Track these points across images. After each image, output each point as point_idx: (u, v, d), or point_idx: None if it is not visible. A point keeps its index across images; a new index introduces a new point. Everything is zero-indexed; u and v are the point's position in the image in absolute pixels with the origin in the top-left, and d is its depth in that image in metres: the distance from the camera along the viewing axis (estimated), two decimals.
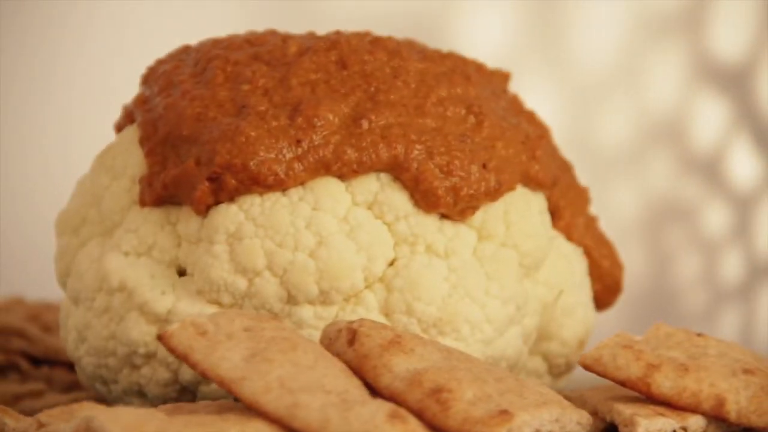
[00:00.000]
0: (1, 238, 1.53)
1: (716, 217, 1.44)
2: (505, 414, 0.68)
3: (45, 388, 1.02)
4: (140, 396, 0.88)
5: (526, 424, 0.69)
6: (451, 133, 0.88)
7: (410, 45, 0.94)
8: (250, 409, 0.68)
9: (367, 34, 0.93)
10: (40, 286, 1.16)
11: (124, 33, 1.53)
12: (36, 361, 1.08)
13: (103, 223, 0.91)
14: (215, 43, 0.94)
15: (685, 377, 0.79)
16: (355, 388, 0.70)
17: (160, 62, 0.95)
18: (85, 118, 1.48)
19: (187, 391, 0.86)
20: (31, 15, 1.51)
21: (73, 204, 0.94)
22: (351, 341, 0.75)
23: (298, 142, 0.85)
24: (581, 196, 0.97)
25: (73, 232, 0.93)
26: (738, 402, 0.78)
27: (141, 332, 0.85)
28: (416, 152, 0.86)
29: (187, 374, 0.85)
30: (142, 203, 0.88)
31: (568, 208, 0.94)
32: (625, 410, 0.78)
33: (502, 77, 0.97)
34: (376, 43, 0.91)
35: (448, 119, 0.88)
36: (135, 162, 0.90)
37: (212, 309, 0.84)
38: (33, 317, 1.14)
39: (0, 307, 1.17)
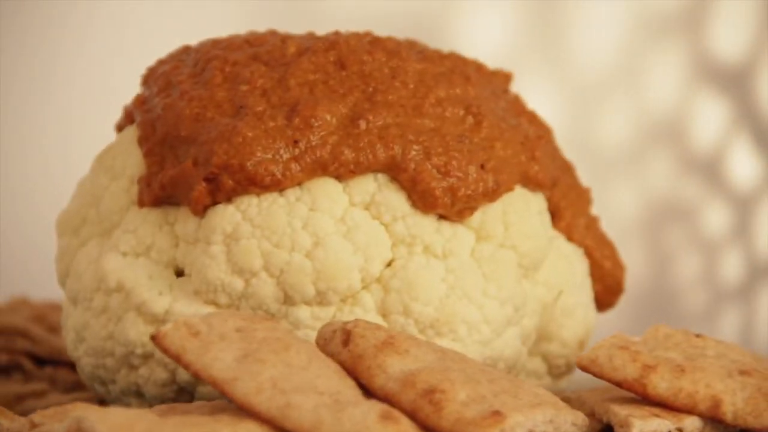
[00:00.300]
0: (8, 239, 1.53)
1: (716, 217, 1.43)
2: (497, 415, 0.68)
3: (48, 388, 1.02)
4: (138, 396, 0.88)
5: (519, 425, 0.69)
6: (449, 133, 0.87)
7: (410, 45, 0.94)
8: (243, 410, 0.68)
9: (366, 34, 0.93)
10: (47, 286, 1.16)
11: (125, 33, 1.53)
12: (40, 361, 1.08)
13: (102, 224, 0.91)
14: (215, 43, 0.94)
15: (681, 378, 0.79)
16: (348, 388, 0.70)
17: (160, 62, 0.95)
18: (86, 119, 1.48)
19: (185, 391, 0.86)
20: (31, 15, 1.51)
21: (73, 204, 0.94)
22: (345, 342, 0.75)
23: (295, 142, 0.85)
24: (582, 196, 0.97)
25: (73, 233, 0.93)
26: (734, 403, 0.78)
27: (138, 332, 0.85)
28: (414, 153, 0.86)
29: (184, 375, 0.85)
30: (141, 204, 0.88)
31: (569, 209, 0.94)
32: (621, 411, 0.78)
33: (504, 78, 0.97)
34: (375, 43, 0.91)
35: (446, 120, 0.88)
36: (134, 162, 0.90)
37: (209, 309, 0.84)
38: (38, 318, 1.14)
39: (5, 308, 1.17)
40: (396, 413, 0.67)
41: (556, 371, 0.94)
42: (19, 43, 1.52)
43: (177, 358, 0.69)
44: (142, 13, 1.51)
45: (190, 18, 1.50)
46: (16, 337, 1.08)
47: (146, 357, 0.86)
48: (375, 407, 0.67)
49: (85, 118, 1.48)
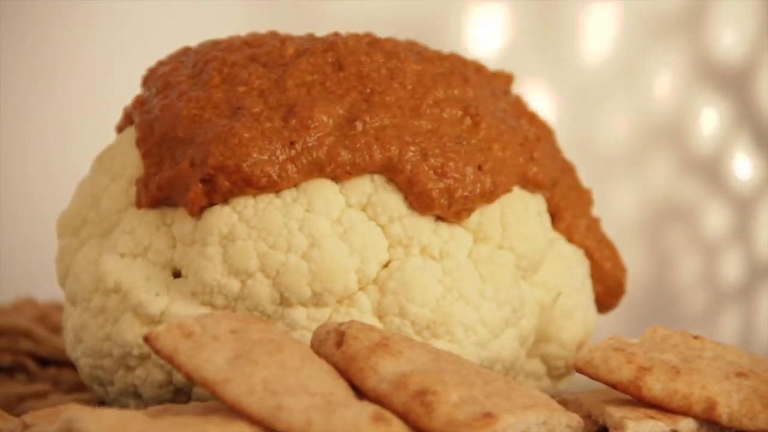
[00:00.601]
0: (15, 239, 1.53)
1: (716, 218, 1.43)
2: (488, 417, 0.68)
3: (50, 388, 1.02)
4: (136, 397, 0.88)
5: (511, 427, 0.69)
6: (446, 134, 0.87)
7: (410, 46, 0.94)
8: (234, 411, 0.68)
9: (366, 35, 0.93)
10: (53, 287, 1.16)
11: (127, 34, 1.53)
12: (43, 361, 1.08)
13: (101, 224, 0.91)
14: (214, 44, 0.94)
15: (677, 380, 0.79)
16: (341, 390, 0.70)
17: (160, 64, 0.95)
18: (88, 120, 1.48)
19: (182, 392, 0.86)
20: (31, 15, 1.51)
21: (73, 205, 0.95)
22: (339, 343, 0.75)
23: (292, 143, 0.85)
24: (583, 197, 0.96)
25: (73, 233, 0.93)
26: (729, 405, 0.78)
27: (135, 334, 0.85)
28: (410, 154, 0.86)
29: (181, 376, 0.85)
30: (139, 205, 0.88)
31: (569, 210, 0.94)
32: (616, 413, 0.78)
33: (505, 79, 0.97)
34: (373, 44, 0.91)
35: (444, 121, 0.88)
36: (132, 163, 0.90)
37: (205, 311, 0.84)
38: (42, 318, 1.14)
39: (10, 309, 1.17)
40: (387, 414, 0.67)
41: (556, 373, 0.94)
42: (21, 43, 1.52)
43: (169, 360, 0.69)
44: (145, 14, 1.52)
45: (192, 19, 1.51)
46: (20, 338, 1.08)
47: (143, 358, 0.86)
48: (366, 408, 0.67)
49: (87, 119, 1.48)
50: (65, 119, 1.54)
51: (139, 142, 0.90)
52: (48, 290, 1.22)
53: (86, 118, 1.47)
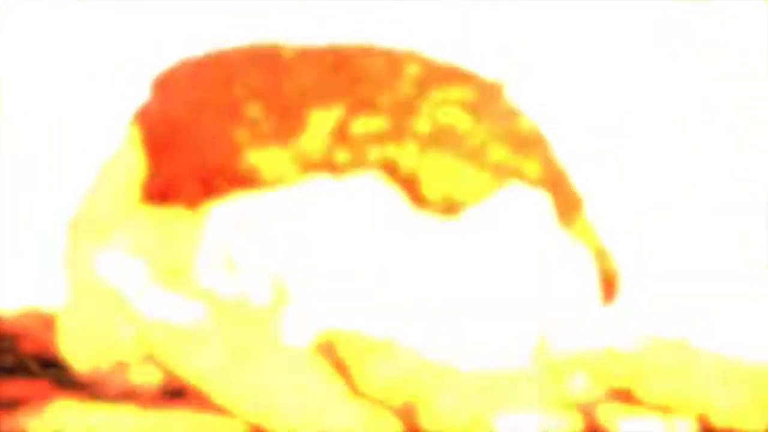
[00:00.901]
0: (25, 244, 1.54)
1: (716, 218, 1.43)
2: (483, 417, 0.68)
3: (51, 389, 1.03)
4: (134, 398, 0.89)
5: (507, 428, 0.69)
6: (444, 134, 0.88)
7: (408, 52, 0.94)
8: (228, 412, 0.68)
9: (366, 43, 0.94)
10: (56, 290, 1.17)
11: (137, 39, 1.53)
12: (45, 362, 1.08)
13: (101, 225, 0.92)
14: (216, 48, 0.95)
15: (673, 383, 0.79)
16: (335, 392, 0.70)
17: (166, 69, 0.96)
18: (104, 126, 1.48)
19: (180, 393, 0.87)
20: (33, 16, 1.52)
21: (80, 208, 0.95)
22: (335, 344, 0.75)
23: (289, 143, 0.85)
24: (579, 199, 0.97)
25: (77, 235, 0.94)
26: (725, 408, 0.78)
27: (133, 334, 0.86)
28: (408, 153, 0.86)
29: (177, 376, 0.85)
30: (138, 205, 0.89)
31: (567, 211, 0.94)
32: (612, 413, 0.78)
33: (501, 83, 0.97)
34: (372, 47, 0.92)
35: (441, 121, 0.88)
36: (132, 165, 0.91)
37: (203, 311, 0.85)
38: (46, 321, 1.15)
39: (14, 312, 1.18)
40: (382, 415, 0.67)
41: (554, 373, 0.94)
42: (29, 46, 1.53)
43: (165, 360, 0.70)
44: (155, 21, 1.52)
45: (199, 25, 1.51)
46: (22, 339, 1.08)
47: (140, 359, 0.86)
48: (361, 410, 0.67)
49: (100, 125, 1.49)
50: (75, 124, 1.54)
51: (141, 144, 0.90)
52: (52, 294, 1.22)
53: (99, 124, 1.48)
